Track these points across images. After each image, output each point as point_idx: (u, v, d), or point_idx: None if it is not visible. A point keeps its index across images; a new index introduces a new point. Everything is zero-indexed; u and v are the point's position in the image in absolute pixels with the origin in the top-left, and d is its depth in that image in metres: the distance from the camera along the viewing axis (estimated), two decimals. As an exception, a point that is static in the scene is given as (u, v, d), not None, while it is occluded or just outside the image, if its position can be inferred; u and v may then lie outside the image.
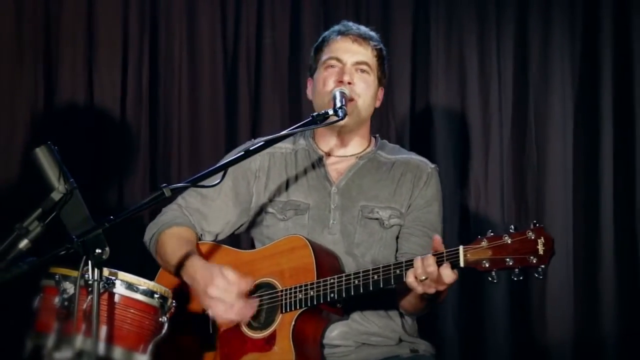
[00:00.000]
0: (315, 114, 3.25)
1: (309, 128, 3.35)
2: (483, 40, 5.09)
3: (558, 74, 5.05)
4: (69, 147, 4.57)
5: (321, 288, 3.26)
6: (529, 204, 5.04)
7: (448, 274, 3.07)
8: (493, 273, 3.01)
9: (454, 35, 5.09)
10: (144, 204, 2.91)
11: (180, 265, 3.41)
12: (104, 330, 2.94)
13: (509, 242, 2.98)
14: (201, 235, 3.60)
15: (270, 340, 3.30)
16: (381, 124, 4.97)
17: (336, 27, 3.63)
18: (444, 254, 3.08)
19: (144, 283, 3.06)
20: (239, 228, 3.67)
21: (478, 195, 5.01)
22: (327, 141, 3.63)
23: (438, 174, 3.63)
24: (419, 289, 3.12)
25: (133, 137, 4.94)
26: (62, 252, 2.79)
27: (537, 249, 2.95)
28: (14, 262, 2.76)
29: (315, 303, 3.26)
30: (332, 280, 3.24)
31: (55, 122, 4.85)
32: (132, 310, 3.02)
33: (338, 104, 3.31)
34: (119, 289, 3.01)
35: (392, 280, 3.17)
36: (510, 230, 3.00)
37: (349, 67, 3.53)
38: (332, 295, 3.23)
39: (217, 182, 3.05)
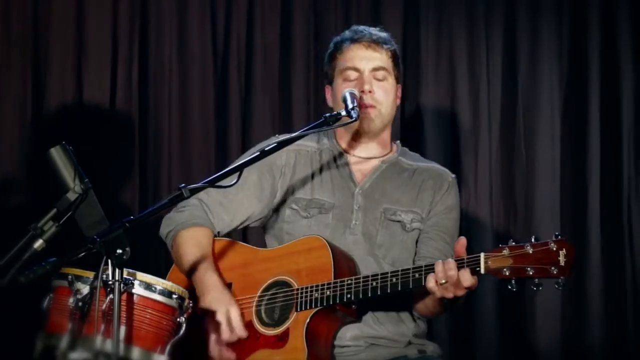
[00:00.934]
0: (327, 114, 3.28)
1: (323, 129, 3.36)
2: (472, 41, 5.13)
3: (546, 75, 5.11)
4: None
5: (338, 288, 3.30)
6: (517, 204, 5.09)
7: (467, 278, 3.12)
8: (513, 281, 3.05)
9: (443, 36, 5.13)
10: (163, 204, 2.95)
11: (193, 273, 3.45)
12: (122, 330, 2.92)
13: (531, 251, 3.02)
14: (219, 231, 3.61)
15: (283, 338, 3.33)
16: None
17: (347, 34, 3.65)
18: (465, 260, 3.13)
19: (162, 283, 3.05)
20: (256, 221, 3.68)
21: (468, 195, 5.04)
22: (350, 143, 3.67)
23: (456, 182, 3.70)
24: (438, 292, 3.17)
25: (123, 136, 4.92)
26: (84, 253, 2.79)
27: (559, 260, 3.00)
28: (32, 262, 2.76)
29: (331, 303, 3.29)
30: (349, 281, 3.28)
31: (44, 122, 4.83)
32: (150, 311, 3.02)
33: (350, 105, 3.33)
34: (138, 290, 3.00)
35: (411, 284, 3.22)
36: (532, 240, 3.04)
37: (367, 75, 3.57)
38: (348, 295, 3.27)
39: (234, 182, 3.08)
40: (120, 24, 4.95)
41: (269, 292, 3.42)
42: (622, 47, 5.04)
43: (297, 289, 3.37)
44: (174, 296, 3.06)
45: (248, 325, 3.39)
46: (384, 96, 3.58)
